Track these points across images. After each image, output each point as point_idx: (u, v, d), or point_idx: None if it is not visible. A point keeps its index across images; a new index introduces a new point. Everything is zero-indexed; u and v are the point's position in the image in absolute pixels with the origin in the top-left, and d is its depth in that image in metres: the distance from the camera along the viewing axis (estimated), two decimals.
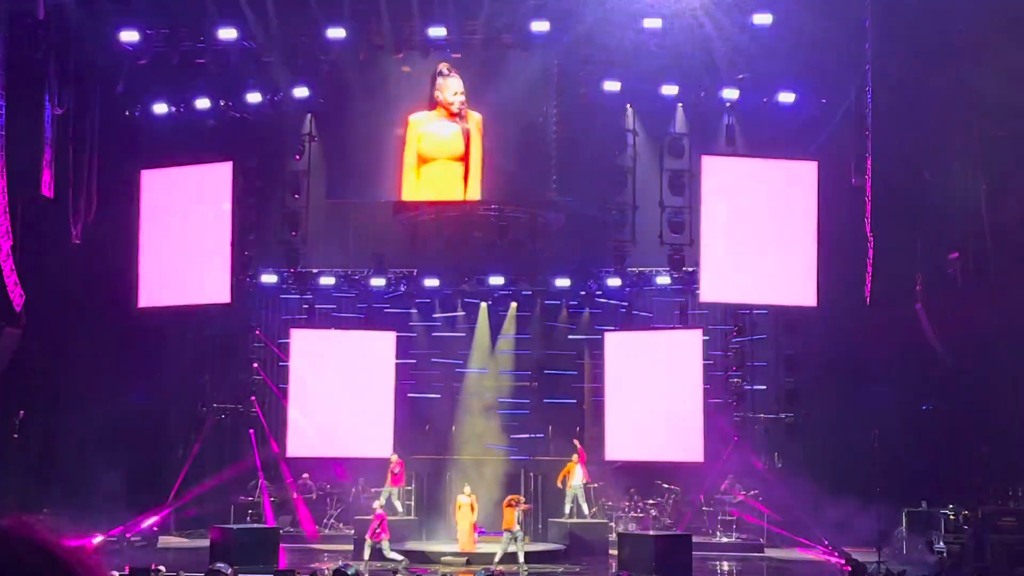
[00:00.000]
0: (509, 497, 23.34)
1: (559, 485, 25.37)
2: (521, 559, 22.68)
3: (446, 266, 27.85)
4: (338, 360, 27.17)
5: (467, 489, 24.21)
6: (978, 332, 23.98)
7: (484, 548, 23.51)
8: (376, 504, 23.74)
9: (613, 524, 26.19)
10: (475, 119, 25.90)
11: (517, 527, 22.57)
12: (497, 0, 25.23)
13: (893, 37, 24.30)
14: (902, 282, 24.89)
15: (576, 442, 25.60)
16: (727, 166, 25.88)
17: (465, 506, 23.81)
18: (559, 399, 28.30)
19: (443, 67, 25.73)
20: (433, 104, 25.94)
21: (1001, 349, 23.84)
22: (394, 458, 25.54)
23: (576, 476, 25.15)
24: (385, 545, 22.54)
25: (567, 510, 25.27)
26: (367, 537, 22.76)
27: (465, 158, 25.93)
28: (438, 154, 26.03)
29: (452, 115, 25.85)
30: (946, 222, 24.54)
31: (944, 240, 24.57)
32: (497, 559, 22.33)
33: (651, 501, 26.93)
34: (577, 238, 27.40)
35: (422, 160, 26.09)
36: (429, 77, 25.91)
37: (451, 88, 25.75)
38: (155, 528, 26.46)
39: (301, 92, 26.54)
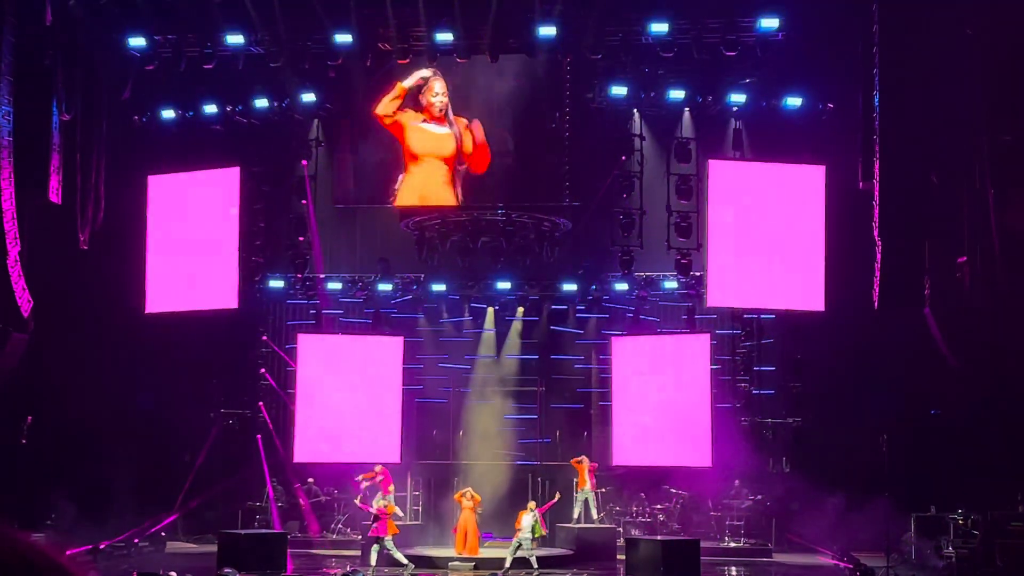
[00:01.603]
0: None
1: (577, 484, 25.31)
2: (535, 564, 22.60)
3: (453, 271, 27.87)
4: (345, 365, 27.19)
5: (468, 493, 24.18)
6: (987, 336, 23.93)
7: (490, 553, 23.46)
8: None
9: (621, 529, 26.19)
10: (462, 123, 25.92)
11: (524, 532, 22.52)
12: (504, 5, 25.23)
13: (900, 41, 24.25)
14: (910, 287, 24.82)
15: (584, 459, 25.47)
16: (734, 170, 25.86)
17: (467, 509, 23.79)
18: (566, 404, 28.28)
19: (428, 71, 25.83)
20: (419, 108, 26.01)
21: (1010, 353, 23.77)
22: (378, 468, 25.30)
23: (586, 480, 25.16)
24: (390, 543, 22.46)
25: (576, 514, 25.25)
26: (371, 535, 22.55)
27: (452, 160, 25.96)
28: (427, 151, 26.08)
29: (435, 118, 25.87)
30: (954, 226, 24.48)
31: (952, 244, 24.51)
32: (507, 564, 22.31)
33: (659, 506, 26.90)
34: (584, 243, 27.39)
35: (411, 157, 26.11)
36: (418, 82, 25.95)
37: (433, 90, 25.81)
38: (163, 533, 26.49)
39: (308, 97, 26.57)
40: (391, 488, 24.49)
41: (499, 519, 25.13)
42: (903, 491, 24.50)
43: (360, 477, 24.63)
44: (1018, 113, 23.50)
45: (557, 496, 23.94)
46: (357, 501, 23.81)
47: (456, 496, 24.22)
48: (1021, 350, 23.57)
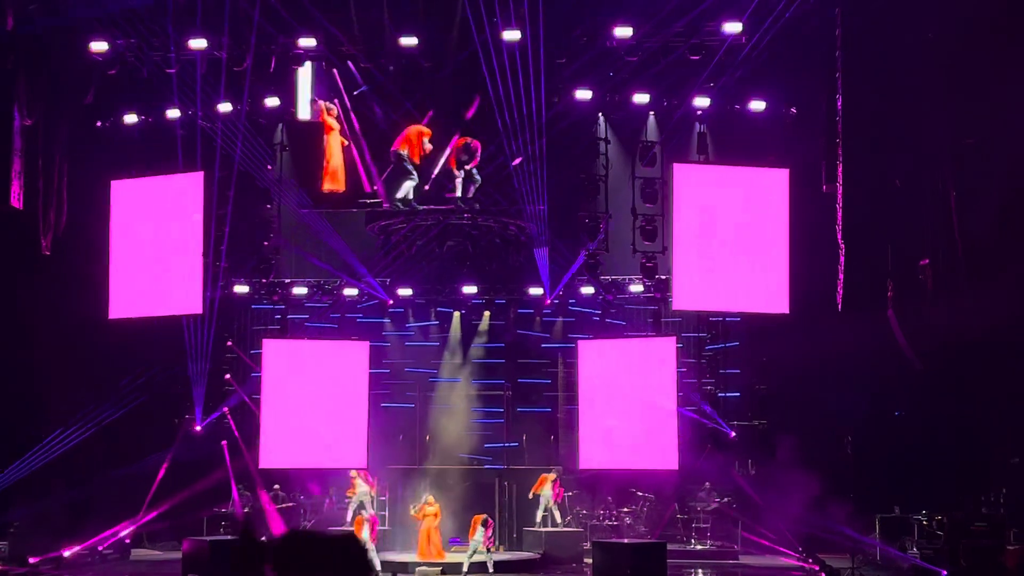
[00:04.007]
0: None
1: (531, 496, 25.39)
2: (490, 568, 22.72)
3: (419, 275, 27.82)
4: (311, 370, 27.07)
5: (430, 498, 24.22)
6: (948, 338, 24.13)
7: (457, 558, 23.48)
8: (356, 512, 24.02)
9: (587, 532, 26.22)
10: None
11: (478, 537, 22.73)
12: (468, 9, 25.20)
13: (863, 45, 24.43)
14: (873, 289, 25.00)
15: (553, 475, 25.58)
16: (699, 174, 25.94)
17: (430, 515, 23.83)
18: (533, 408, 28.31)
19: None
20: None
21: (971, 355, 23.99)
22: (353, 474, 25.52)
23: (547, 487, 25.20)
24: (372, 549, 22.62)
25: (538, 519, 25.28)
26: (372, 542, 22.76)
27: None
28: None
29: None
30: (917, 229, 24.69)
31: (915, 247, 24.71)
32: (465, 568, 22.38)
33: (625, 509, 26.96)
34: (550, 247, 27.38)
35: None
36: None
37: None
38: (128, 541, 26.31)
39: (272, 102, 26.47)
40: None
41: (466, 524, 25.06)
42: (867, 492, 24.67)
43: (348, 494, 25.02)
44: (979, 117, 23.71)
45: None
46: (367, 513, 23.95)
47: (415, 514, 24.16)
48: (983, 352, 23.80)
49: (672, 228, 25.52)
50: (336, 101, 25.72)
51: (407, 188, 24.56)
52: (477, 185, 24.78)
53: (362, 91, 26.20)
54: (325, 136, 25.08)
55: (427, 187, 25.21)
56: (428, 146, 24.60)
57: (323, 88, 25.98)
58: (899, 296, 24.69)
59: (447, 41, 25.61)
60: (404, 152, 24.39)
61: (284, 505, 27.53)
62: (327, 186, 25.36)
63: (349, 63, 25.99)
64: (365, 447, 26.62)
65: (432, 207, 25.34)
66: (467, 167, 24.66)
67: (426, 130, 24.61)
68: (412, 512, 24.30)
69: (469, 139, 24.71)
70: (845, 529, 23.71)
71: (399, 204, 24.80)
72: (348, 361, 27.25)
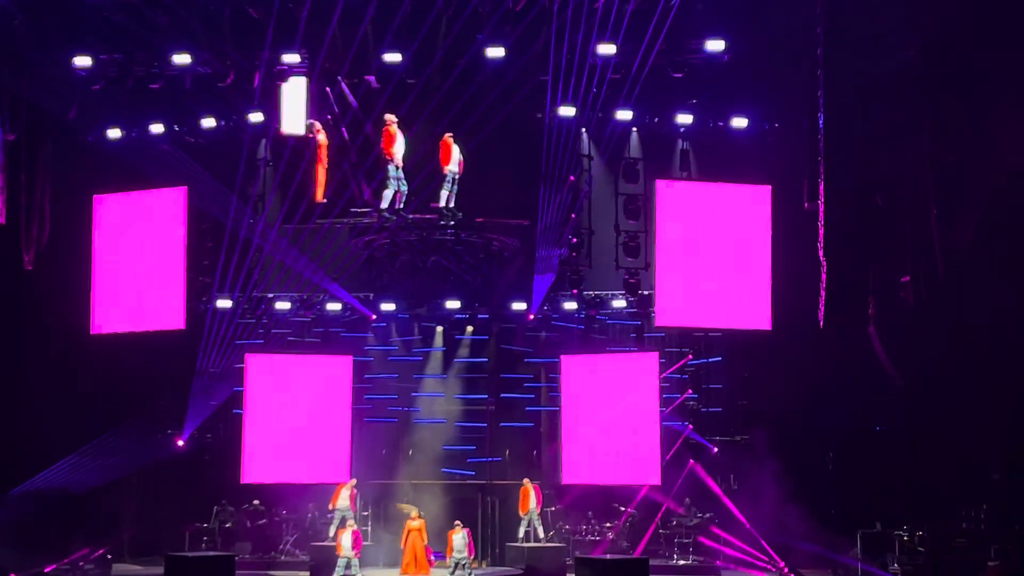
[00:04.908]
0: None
1: (522, 514, 25.36)
2: None
3: (402, 290, 27.83)
4: (294, 385, 27.08)
5: (413, 513, 24.23)
6: (929, 354, 24.30)
7: (440, 573, 23.48)
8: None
9: (570, 547, 26.25)
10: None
11: (458, 554, 22.75)
12: (453, 25, 25.30)
13: (844, 63, 24.60)
14: (855, 305, 25.14)
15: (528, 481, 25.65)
16: (681, 191, 26.07)
17: (415, 531, 23.83)
18: (516, 423, 28.30)
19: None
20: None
21: (951, 371, 24.15)
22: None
23: (532, 499, 25.23)
24: (356, 564, 22.68)
25: (521, 534, 25.29)
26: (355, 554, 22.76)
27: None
28: None
29: None
30: (898, 246, 24.85)
31: (896, 264, 24.87)
32: None
33: (608, 524, 26.99)
34: (533, 262, 27.45)
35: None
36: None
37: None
38: (109, 556, 26.23)
39: (256, 117, 26.48)
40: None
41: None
42: (849, 507, 24.77)
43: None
44: (960, 135, 23.91)
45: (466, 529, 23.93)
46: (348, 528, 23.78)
47: (411, 526, 24.15)
48: (963, 368, 23.95)
49: (655, 244, 25.66)
50: (329, 117, 25.76)
51: (388, 197, 24.61)
52: (455, 194, 24.82)
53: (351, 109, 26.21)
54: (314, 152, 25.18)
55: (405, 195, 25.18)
56: (399, 145, 24.41)
57: (313, 104, 25.93)
58: (880, 313, 24.85)
59: (431, 58, 25.67)
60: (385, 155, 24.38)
61: (262, 521, 27.42)
62: (317, 200, 25.43)
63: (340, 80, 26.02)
64: (348, 462, 26.63)
65: (417, 216, 25.33)
66: (456, 173, 24.63)
67: (391, 118, 24.49)
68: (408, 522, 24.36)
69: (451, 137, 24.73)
70: (826, 544, 23.82)
71: (385, 214, 24.84)
72: (331, 376, 27.28)
